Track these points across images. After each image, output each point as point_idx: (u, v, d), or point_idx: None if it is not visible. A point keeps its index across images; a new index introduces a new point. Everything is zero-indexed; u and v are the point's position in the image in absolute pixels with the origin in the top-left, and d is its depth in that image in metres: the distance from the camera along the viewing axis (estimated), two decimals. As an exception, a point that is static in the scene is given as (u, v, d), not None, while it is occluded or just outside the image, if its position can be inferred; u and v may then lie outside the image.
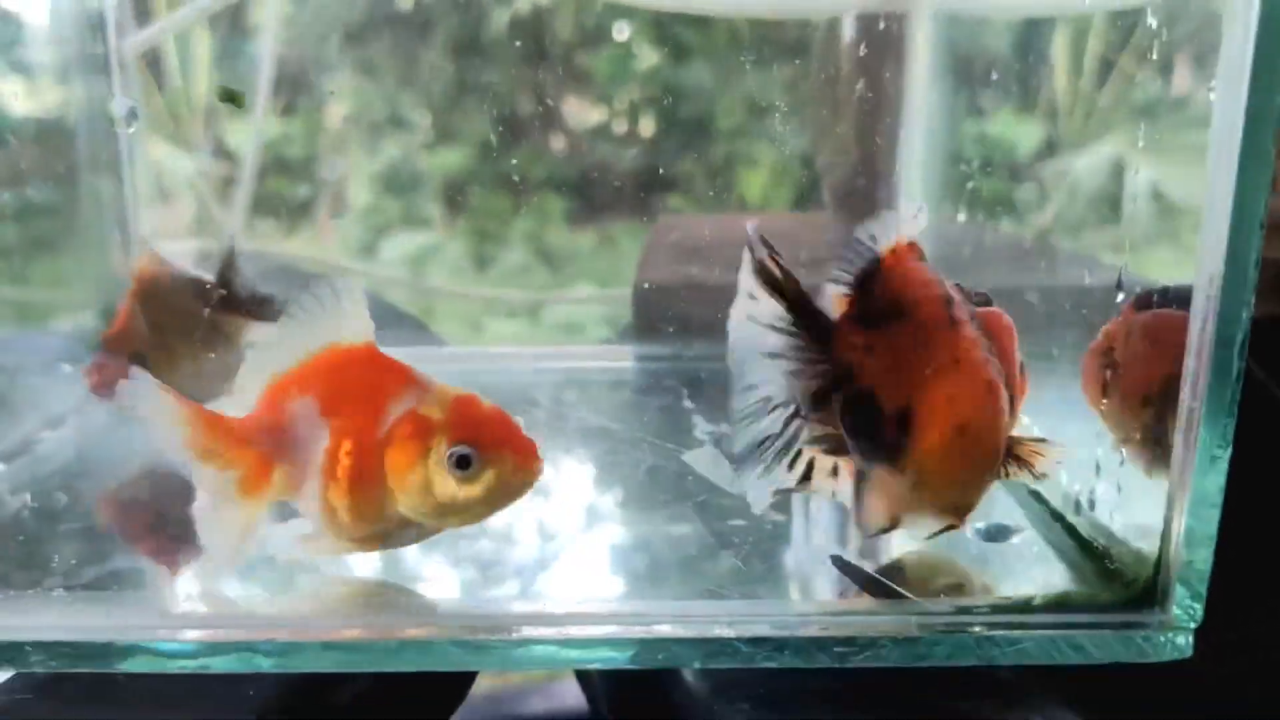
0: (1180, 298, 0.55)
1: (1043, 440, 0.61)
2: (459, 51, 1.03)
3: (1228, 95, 0.52)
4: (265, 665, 0.58)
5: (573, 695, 1.21)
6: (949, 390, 0.54)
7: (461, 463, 0.56)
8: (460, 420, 0.57)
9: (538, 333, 1.16)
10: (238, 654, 0.58)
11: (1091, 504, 0.67)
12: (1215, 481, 0.56)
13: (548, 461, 0.75)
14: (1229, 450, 0.56)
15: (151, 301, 0.86)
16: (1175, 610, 0.59)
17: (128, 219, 1.03)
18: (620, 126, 1.08)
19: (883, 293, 0.59)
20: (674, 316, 1.05)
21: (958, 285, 0.60)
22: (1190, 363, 0.55)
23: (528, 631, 0.59)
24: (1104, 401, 0.66)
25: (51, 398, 0.93)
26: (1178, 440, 0.57)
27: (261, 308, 0.87)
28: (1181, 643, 0.59)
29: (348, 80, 1.08)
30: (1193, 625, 0.59)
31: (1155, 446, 0.60)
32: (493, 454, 0.56)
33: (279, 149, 1.09)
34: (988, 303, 0.64)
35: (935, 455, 0.54)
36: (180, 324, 0.86)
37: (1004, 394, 0.55)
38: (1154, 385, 0.61)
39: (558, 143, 1.07)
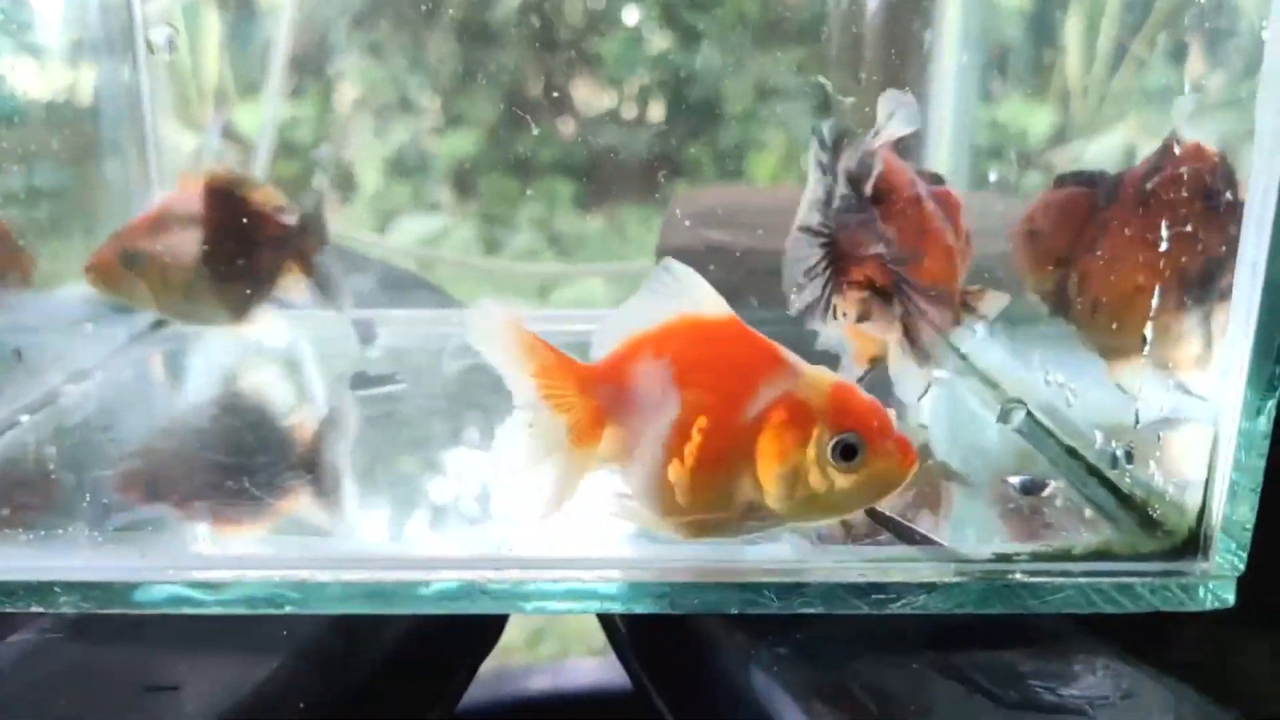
0: (1089, 180, 0.71)
1: (983, 289, 0.70)
2: (468, 35, 1.03)
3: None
4: (289, 607, 0.58)
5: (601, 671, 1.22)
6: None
7: (846, 453, 0.51)
8: (843, 408, 0.52)
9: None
10: (262, 595, 0.58)
11: (1129, 456, 0.66)
12: (1260, 427, 0.55)
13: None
14: (1276, 396, 0.55)
15: (220, 208, 0.88)
16: (1217, 559, 0.58)
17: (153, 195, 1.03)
18: (630, 111, 1.08)
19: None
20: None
21: (919, 170, 0.71)
22: (1237, 308, 0.55)
23: (561, 574, 0.59)
24: (1028, 267, 0.76)
25: (76, 354, 0.93)
26: (1222, 385, 0.56)
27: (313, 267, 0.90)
28: (1224, 593, 0.59)
29: (356, 63, 1.08)
30: (1235, 575, 0.58)
31: (1062, 298, 0.73)
32: (877, 445, 0.51)
33: (286, 131, 1.09)
34: (940, 182, 0.72)
35: None
36: (232, 242, 0.88)
37: (957, 254, 0.69)
38: (1062, 248, 0.73)
39: (566, 127, 1.07)
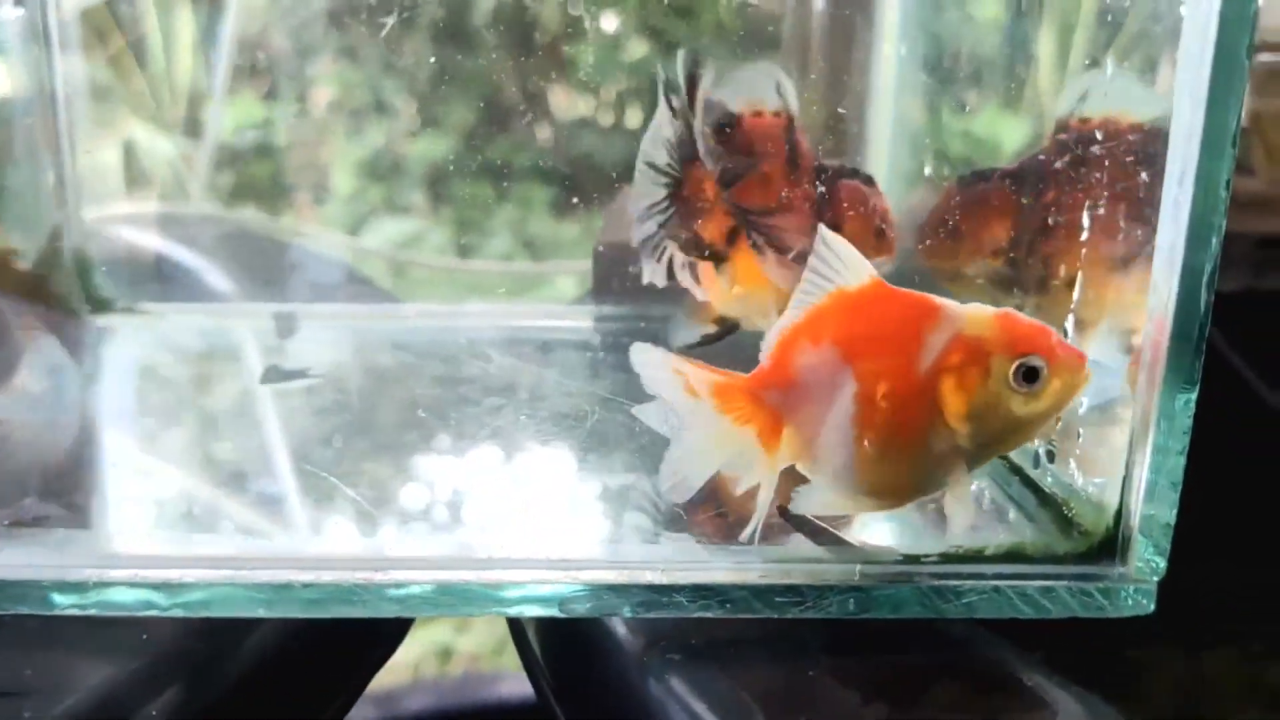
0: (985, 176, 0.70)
1: None
2: (443, 38, 1.01)
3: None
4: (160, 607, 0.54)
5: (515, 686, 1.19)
6: None
7: (1029, 375, 0.52)
8: (1014, 335, 0.53)
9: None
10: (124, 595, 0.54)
11: (1050, 456, 0.63)
12: (1180, 424, 0.53)
13: (497, 417, 0.72)
14: (1195, 390, 0.52)
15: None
16: (1136, 563, 0.55)
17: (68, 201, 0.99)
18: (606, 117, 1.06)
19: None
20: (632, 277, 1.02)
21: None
22: (1155, 296, 0.52)
23: (456, 575, 0.55)
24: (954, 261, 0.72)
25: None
26: (1141, 379, 0.53)
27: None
28: (1143, 598, 0.56)
29: (329, 65, 1.05)
30: (1155, 579, 0.56)
31: (1008, 284, 0.70)
32: (1057, 361, 0.52)
33: (260, 133, 1.06)
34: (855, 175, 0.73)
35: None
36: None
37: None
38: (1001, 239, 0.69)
39: (543, 132, 1.05)
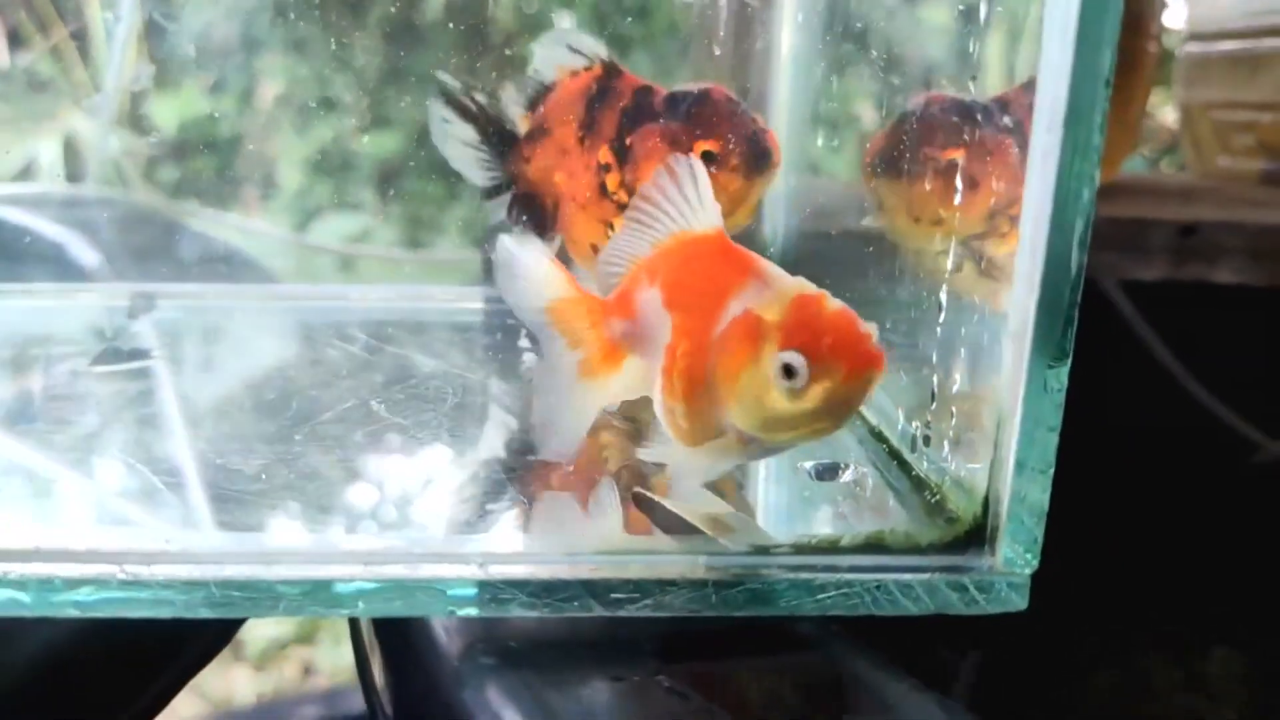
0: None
1: None
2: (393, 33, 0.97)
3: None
4: None
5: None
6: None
7: (788, 372, 0.46)
8: (795, 323, 0.47)
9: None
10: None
11: (926, 439, 0.58)
12: (1050, 402, 0.48)
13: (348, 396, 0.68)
14: (1067, 365, 0.47)
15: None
16: (1006, 554, 0.50)
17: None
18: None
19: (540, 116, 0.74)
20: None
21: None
22: (1022, 258, 0.47)
23: (236, 571, 0.49)
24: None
25: None
26: (1007, 351, 0.48)
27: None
28: (1013, 593, 0.51)
29: (278, 59, 1.02)
30: (1027, 572, 0.50)
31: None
32: (820, 365, 0.45)
33: (206, 128, 1.03)
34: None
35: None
36: None
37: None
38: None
39: None
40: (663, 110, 0.69)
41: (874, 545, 0.51)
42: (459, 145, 0.76)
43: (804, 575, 0.50)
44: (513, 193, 0.77)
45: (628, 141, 0.69)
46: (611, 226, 0.70)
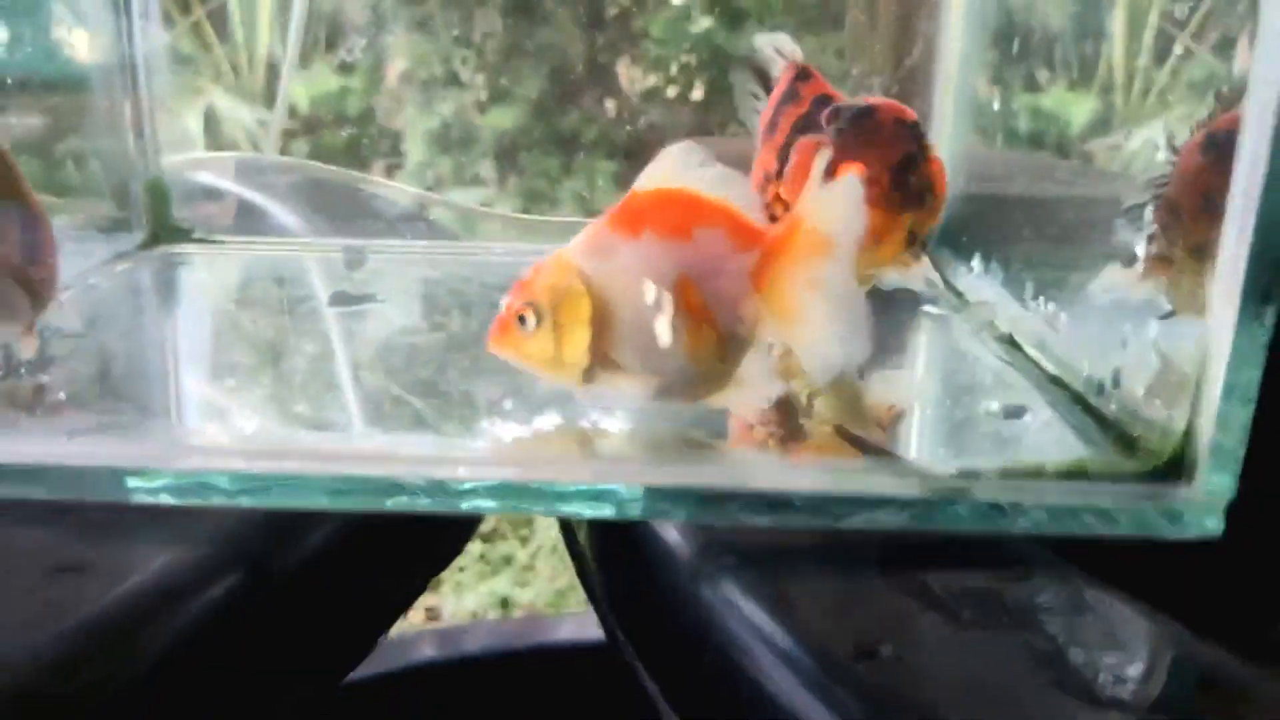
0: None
1: None
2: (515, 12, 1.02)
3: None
4: (233, 500, 0.55)
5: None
6: None
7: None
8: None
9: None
10: (204, 488, 0.55)
11: (1116, 382, 0.62)
12: (1255, 339, 0.51)
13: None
14: (1275, 305, 0.51)
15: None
16: (1203, 484, 0.54)
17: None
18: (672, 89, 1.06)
19: None
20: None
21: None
22: (1234, 202, 0.50)
23: (513, 474, 0.56)
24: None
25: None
26: (1214, 292, 0.52)
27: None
28: (1210, 521, 0.54)
29: (403, 37, 1.07)
30: (1224, 501, 0.54)
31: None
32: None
33: (336, 103, 1.08)
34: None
35: None
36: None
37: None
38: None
39: (610, 105, 1.05)
40: (827, 121, 0.65)
41: (1077, 472, 0.55)
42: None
43: (1010, 497, 0.54)
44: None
45: (791, 152, 0.68)
46: None
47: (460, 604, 1.92)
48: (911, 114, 0.64)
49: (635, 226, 0.56)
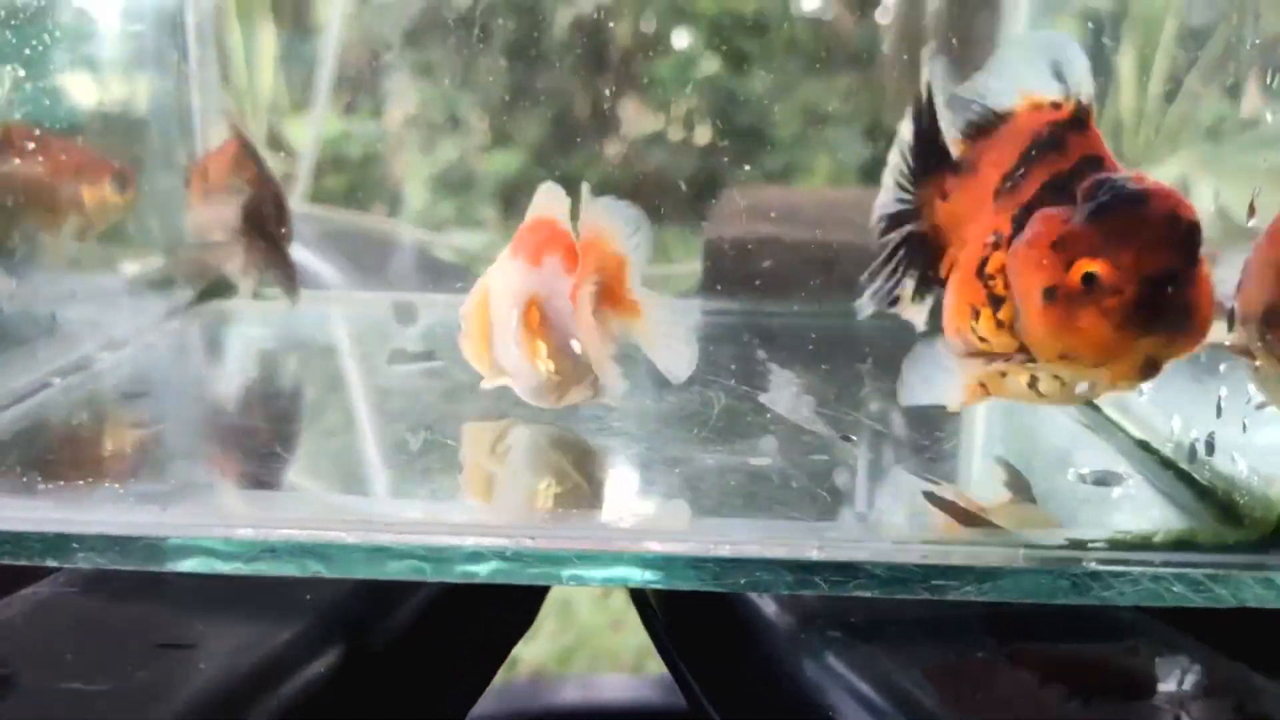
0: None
1: None
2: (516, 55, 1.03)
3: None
4: (318, 569, 0.55)
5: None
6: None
7: None
8: None
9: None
10: (289, 556, 0.55)
11: (1210, 448, 0.62)
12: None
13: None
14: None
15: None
16: (1308, 554, 0.54)
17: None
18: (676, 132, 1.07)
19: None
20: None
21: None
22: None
23: (600, 543, 0.56)
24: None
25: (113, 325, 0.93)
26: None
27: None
28: (1313, 591, 0.54)
29: (406, 82, 1.08)
30: (1327, 571, 0.54)
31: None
32: None
33: (338, 146, 1.10)
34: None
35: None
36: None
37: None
38: None
39: (613, 148, 1.06)
40: (1084, 196, 0.52)
41: (1185, 543, 0.55)
42: (894, 150, 0.67)
43: (1118, 568, 0.54)
44: (910, 228, 0.66)
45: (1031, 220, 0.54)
46: (977, 316, 0.57)
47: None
48: (1191, 213, 0.50)
49: (514, 252, 0.68)
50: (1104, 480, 0.65)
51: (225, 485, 0.66)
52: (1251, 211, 0.59)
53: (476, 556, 0.55)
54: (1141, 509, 0.62)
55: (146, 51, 1.00)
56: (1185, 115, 0.70)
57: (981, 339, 0.58)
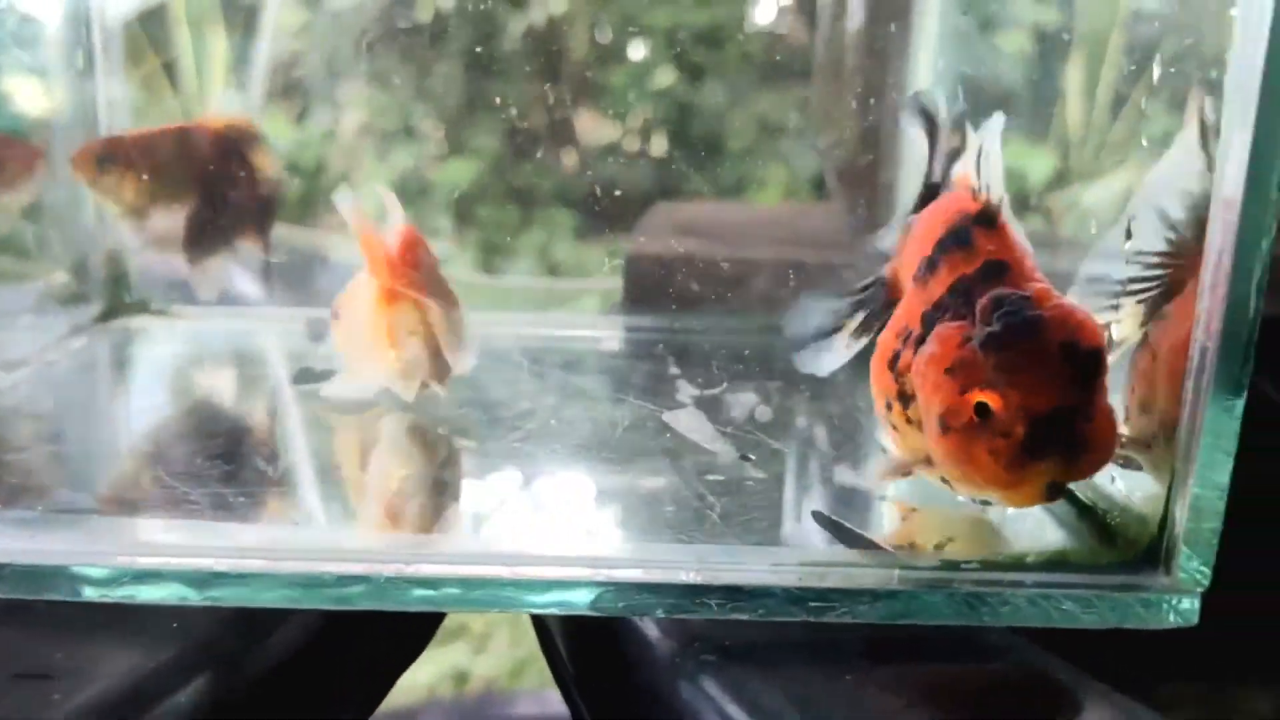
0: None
1: None
2: (472, 64, 1.03)
3: None
4: (192, 598, 0.54)
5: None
6: None
7: None
8: None
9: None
10: (162, 583, 0.54)
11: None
12: (1228, 429, 0.52)
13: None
14: (1243, 397, 0.51)
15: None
16: (1180, 573, 0.54)
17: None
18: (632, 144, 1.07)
19: None
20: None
21: None
22: (1203, 301, 0.51)
23: (483, 570, 0.55)
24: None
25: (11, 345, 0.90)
26: (1187, 386, 0.53)
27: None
28: (1187, 608, 0.55)
29: (360, 89, 1.07)
30: (1199, 589, 0.54)
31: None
32: None
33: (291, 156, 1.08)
34: None
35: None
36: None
37: None
38: None
39: (569, 158, 1.06)
40: (981, 315, 0.50)
41: (1058, 562, 0.56)
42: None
43: (992, 589, 0.54)
44: (878, 277, 0.64)
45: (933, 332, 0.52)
46: (890, 408, 0.56)
47: (412, 678, 1.87)
48: (1093, 337, 0.48)
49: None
50: (988, 499, 0.65)
51: (105, 510, 0.64)
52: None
53: (347, 581, 0.54)
54: (1027, 529, 0.62)
55: (51, 54, 0.97)
56: (1132, 129, 0.71)
57: (894, 427, 0.57)
